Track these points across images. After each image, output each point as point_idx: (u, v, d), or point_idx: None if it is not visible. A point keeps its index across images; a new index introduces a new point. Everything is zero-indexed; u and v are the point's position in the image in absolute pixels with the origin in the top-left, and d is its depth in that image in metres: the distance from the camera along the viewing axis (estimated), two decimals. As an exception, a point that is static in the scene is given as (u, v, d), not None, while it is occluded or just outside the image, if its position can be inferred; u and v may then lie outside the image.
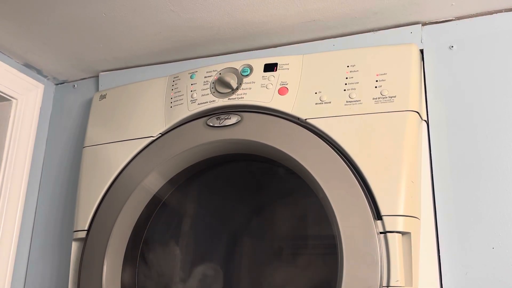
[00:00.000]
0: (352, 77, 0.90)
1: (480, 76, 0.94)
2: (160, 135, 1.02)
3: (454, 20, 0.99)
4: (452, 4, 0.95)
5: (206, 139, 0.96)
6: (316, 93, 0.91)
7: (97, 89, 1.26)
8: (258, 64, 0.98)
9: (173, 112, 1.02)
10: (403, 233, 0.78)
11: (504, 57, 0.93)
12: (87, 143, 1.10)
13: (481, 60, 0.95)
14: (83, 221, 1.00)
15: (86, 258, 0.97)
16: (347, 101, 0.89)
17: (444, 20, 0.99)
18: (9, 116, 1.21)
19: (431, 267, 0.86)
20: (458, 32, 0.98)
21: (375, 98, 0.87)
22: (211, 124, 0.96)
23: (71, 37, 1.12)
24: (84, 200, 1.02)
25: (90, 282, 0.95)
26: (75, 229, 1.02)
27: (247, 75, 0.98)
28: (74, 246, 1.02)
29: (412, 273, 0.78)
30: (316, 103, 0.91)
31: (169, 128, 1.01)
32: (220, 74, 1.00)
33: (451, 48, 0.97)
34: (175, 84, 1.05)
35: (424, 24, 1.00)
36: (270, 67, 0.97)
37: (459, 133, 0.92)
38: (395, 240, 0.77)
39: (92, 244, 0.97)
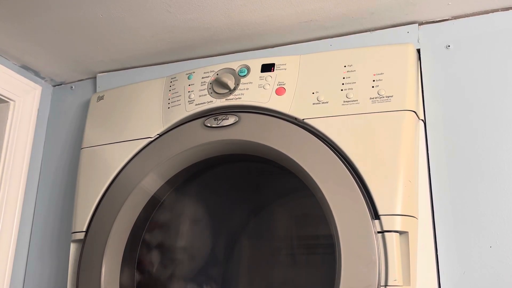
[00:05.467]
0: (349, 77, 0.90)
1: (477, 75, 0.94)
2: (158, 136, 1.02)
3: (451, 19, 0.99)
4: (448, 4, 0.95)
5: (204, 140, 0.96)
6: (313, 93, 0.92)
7: (94, 91, 1.26)
8: (255, 64, 0.99)
9: (170, 113, 1.02)
10: (400, 233, 0.79)
11: (501, 56, 0.93)
12: (85, 144, 1.10)
13: (477, 60, 0.95)
14: (81, 222, 1.00)
15: (84, 260, 0.97)
16: (344, 101, 0.89)
17: (440, 19, 1.00)
18: (7, 118, 1.20)
19: (429, 266, 0.86)
20: (455, 32, 0.98)
21: (372, 98, 0.87)
22: (209, 125, 0.96)
23: (68, 39, 1.12)
24: (82, 202, 1.02)
25: (88, 284, 0.95)
26: (73, 231, 1.02)
27: (245, 75, 0.98)
28: (73, 247, 1.02)
29: (410, 272, 0.78)
30: (313, 103, 0.91)
31: (167, 129, 1.01)
32: (217, 74, 1.01)
33: (448, 47, 0.97)
34: (173, 85, 1.05)
35: (420, 23, 1.01)
36: (267, 68, 0.97)
37: (456, 132, 0.92)
38: (393, 240, 0.77)
39: (90, 245, 0.97)
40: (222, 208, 1.03)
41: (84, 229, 1.00)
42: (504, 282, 0.83)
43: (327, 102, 0.90)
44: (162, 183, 1.01)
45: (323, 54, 0.96)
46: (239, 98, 0.96)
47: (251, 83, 0.97)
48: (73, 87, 1.32)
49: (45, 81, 1.32)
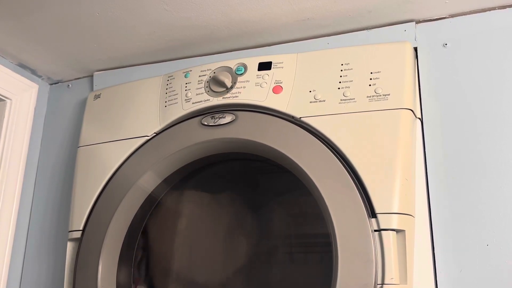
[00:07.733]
0: (346, 75, 0.90)
1: (474, 73, 0.94)
2: (155, 134, 1.01)
3: (448, 17, 0.99)
4: (445, 2, 0.95)
5: (200, 138, 0.96)
6: (310, 91, 0.92)
7: (91, 89, 1.26)
8: (252, 62, 0.98)
9: (167, 111, 1.02)
10: (397, 231, 0.79)
11: (498, 55, 0.93)
12: (81, 143, 1.10)
13: (475, 58, 0.95)
14: (78, 221, 1.00)
15: (81, 259, 0.97)
16: (341, 99, 0.89)
17: (437, 18, 1.00)
18: (4, 117, 1.20)
19: (426, 264, 0.86)
20: (452, 30, 0.98)
21: (369, 96, 0.87)
22: (206, 123, 0.96)
23: (66, 37, 1.12)
24: (79, 200, 1.02)
25: (85, 283, 0.94)
26: (70, 229, 1.02)
27: (242, 74, 0.98)
28: (69, 246, 1.02)
29: (406, 271, 0.78)
30: (310, 102, 0.91)
31: (163, 127, 1.01)
32: (214, 73, 1.00)
33: (445, 45, 0.97)
34: (170, 83, 1.05)
35: (418, 22, 1.00)
36: (264, 66, 0.97)
37: (453, 131, 0.92)
38: (389, 238, 0.77)
39: (87, 244, 0.97)
40: (219, 206, 1.03)
41: (81, 228, 0.99)
42: (501, 280, 0.83)
43: (324, 101, 0.90)
44: (159, 181, 1.01)
45: (320, 53, 0.95)
46: (236, 96, 0.96)
47: (248, 81, 0.97)
48: (70, 85, 1.31)
49: (42, 79, 1.32)
